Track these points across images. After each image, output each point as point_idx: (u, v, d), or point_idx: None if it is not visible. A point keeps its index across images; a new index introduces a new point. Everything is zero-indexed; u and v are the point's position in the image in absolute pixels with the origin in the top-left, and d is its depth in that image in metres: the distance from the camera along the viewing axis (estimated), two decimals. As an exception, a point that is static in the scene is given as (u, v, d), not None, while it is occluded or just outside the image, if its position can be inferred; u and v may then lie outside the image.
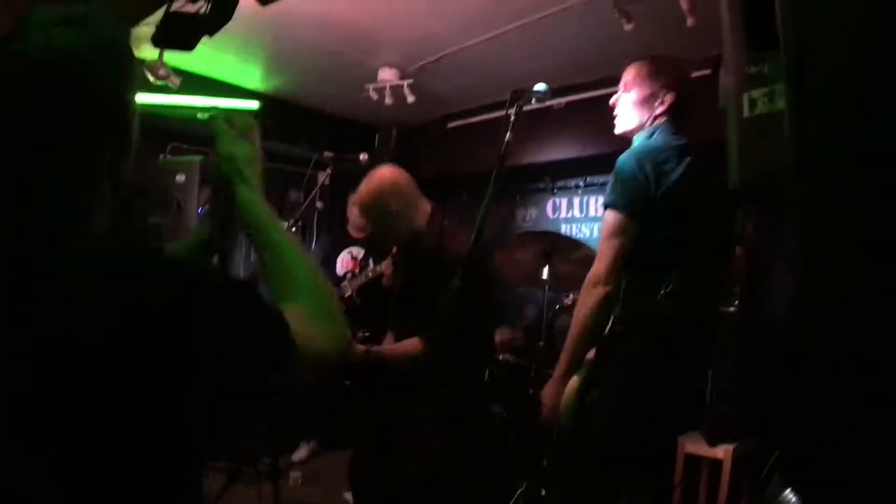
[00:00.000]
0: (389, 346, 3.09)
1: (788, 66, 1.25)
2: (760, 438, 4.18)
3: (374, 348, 2.96)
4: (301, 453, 5.32)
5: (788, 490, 3.47)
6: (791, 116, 1.25)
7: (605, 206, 2.40)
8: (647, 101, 2.55)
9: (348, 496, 4.11)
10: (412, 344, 2.88)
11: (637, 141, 2.56)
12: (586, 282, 2.38)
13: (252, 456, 4.60)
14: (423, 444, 2.88)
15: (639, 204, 2.32)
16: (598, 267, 2.36)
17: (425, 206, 3.01)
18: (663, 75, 2.54)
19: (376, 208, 2.95)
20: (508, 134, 2.51)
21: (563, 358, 2.47)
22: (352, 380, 3.21)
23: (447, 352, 2.60)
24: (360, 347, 2.92)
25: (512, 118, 2.52)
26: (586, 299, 2.37)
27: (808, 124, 1.20)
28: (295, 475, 4.78)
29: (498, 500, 3.65)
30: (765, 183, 1.51)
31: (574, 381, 2.43)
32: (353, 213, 5.57)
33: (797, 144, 1.23)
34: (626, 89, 2.62)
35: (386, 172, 3.00)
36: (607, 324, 2.35)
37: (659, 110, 2.52)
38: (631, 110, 2.60)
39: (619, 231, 2.34)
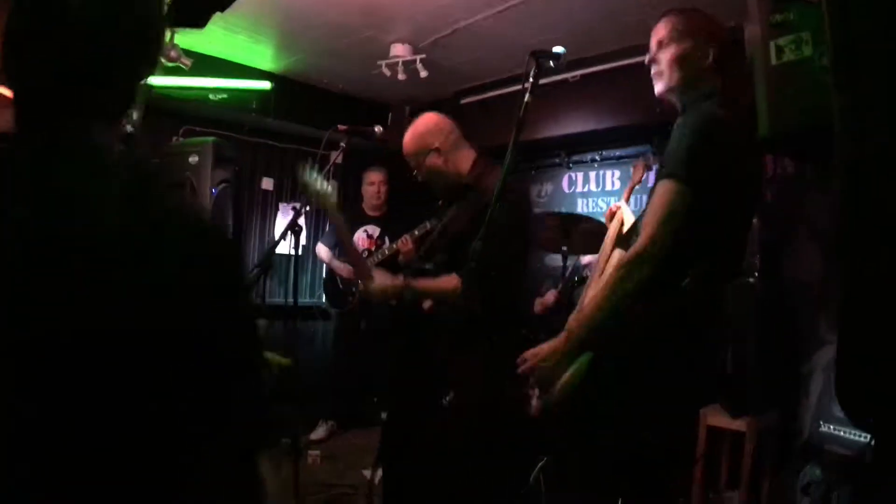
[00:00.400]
0: (426, 280, 3.02)
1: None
2: (782, 410, 4.15)
3: (412, 281, 2.94)
4: (320, 433, 5.34)
5: (814, 462, 3.44)
6: (835, 61, 1.19)
7: (670, 177, 2.11)
8: (689, 57, 2.27)
9: (367, 473, 4.11)
10: (450, 279, 2.85)
11: (688, 103, 2.30)
12: (633, 255, 2.12)
13: (271, 436, 4.62)
14: (463, 404, 2.83)
15: (712, 182, 2.06)
16: (651, 245, 2.09)
17: (470, 152, 3.06)
18: (701, 28, 2.29)
19: (419, 146, 3.01)
20: (528, 95, 2.46)
21: (578, 330, 2.20)
22: (391, 317, 3.13)
23: (484, 287, 2.59)
24: (397, 280, 2.93)
25: (531, 79, 2.48)
26: (630, 276, 2.12)
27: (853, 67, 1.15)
28: (314, 454, 4.80)
29: (520, 471, 3.63)
30: (796, 129, 1.47)
31: (584, 359, 2.20)
32: (369, 191, 5.56)
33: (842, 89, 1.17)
34: (662, 46, 2.35)
35: (429, 115, 3.12)
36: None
37: (705, 64, 2.25)
38: (672, 67, 2.31)
39: (684, 209, 2.08)
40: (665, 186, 2.11)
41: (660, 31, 2.38)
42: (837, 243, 1.23)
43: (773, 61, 1.42)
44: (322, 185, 2.97)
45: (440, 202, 3.35)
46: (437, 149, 2.98)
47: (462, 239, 2.78)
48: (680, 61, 2.29)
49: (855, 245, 1.19)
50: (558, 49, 2.50)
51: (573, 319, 2.25)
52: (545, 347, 2.23)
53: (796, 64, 1.39)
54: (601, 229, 4.16)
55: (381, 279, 2.98)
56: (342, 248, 3.08)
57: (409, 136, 3.05)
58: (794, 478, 3.70)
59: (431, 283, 2.97)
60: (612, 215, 3.00)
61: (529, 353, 2.26)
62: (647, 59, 2.41)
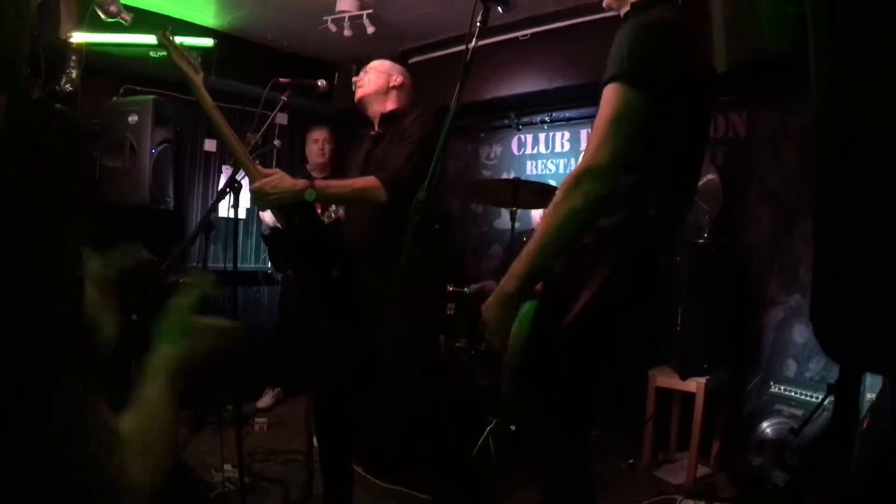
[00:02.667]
0: (334, 181, 3.07)
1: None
2: (731, 371, 4.17)
3: (320, 181, 2.88)
4: (266, 400, 5.26)
5: (764, 423, 3.44)
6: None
7: (611, 80, 1.87)
8: None
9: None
10: (365, 178, 2.85)
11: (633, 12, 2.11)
12: (575, 174, 1.86)
13: (215, 405, 4.51)
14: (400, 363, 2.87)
15: (655, 82, 1.84)
16: (595, 158, 1.83)
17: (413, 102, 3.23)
18: None
19: (389, 71, 3.19)
20: (473, 41, 2.34)
21: (520, 268, 1.93)
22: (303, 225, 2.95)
23: (403, 183, 2.68)
24: (299, 181, 2.78)
25: (478, 24, 2.35)
26: (571, 198, 1.84)
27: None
28: (260, 421, 4.73)
29: (468, 436, 3.57)
30: (754, 60, 1.39)
31: (526, 308, 1.98)
32: (313, 150, 5.41)
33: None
34: None
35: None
36: (585, 236, 1.93)
37: None
38: None
39: (631, 111, 1.84)
40: (608, 92, 1.88)
41: None
42: (814, 155, 1.13)
43: (734, -7, 1.33)
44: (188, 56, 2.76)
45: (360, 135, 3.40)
46: (399, 84, 3.16)
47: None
48: None
49: (830, 153, 1.09)
50: None
51: (518, 257, 1.98)
52: (489, 307, 2.01)
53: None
54: (550, 188, 4.12)
55: (278, 179, 2.76)
56: (223, 141, 2.87)
57: (383, 61, 3.24)
58: (745, 437, 3.72)
59: (340, 182, 2.96)
60: None
61: (483, 307, 2.03)
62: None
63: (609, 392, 2.45)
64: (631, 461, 4.14)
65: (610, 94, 1.87)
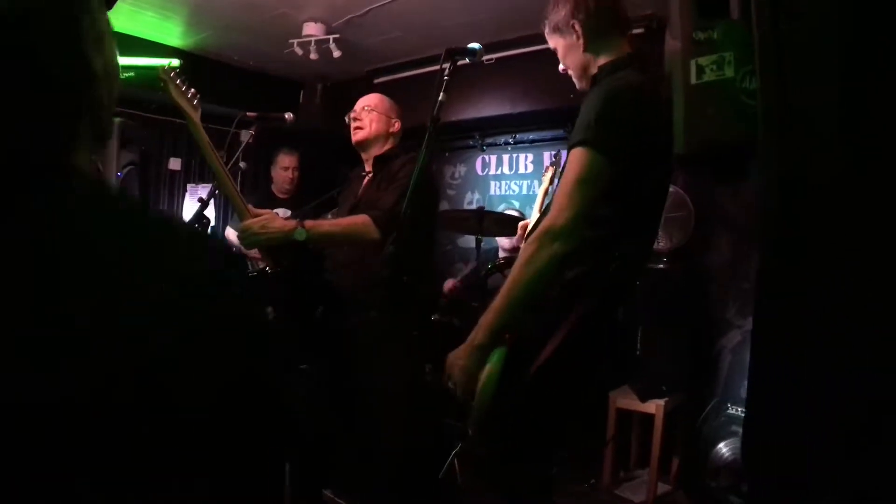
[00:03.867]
0: (325, 221, 3.06)
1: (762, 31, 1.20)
2: (689, 393, 4.28)
3: (308, 220, 2.83)
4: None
5: (721, 444, 3.55)
6: (763, 82, 1.20)
7: (578, 144, 1.98)
8: (571, 46, 2.24)
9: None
10: (356, 217, 2.88)
11: (599, 77, 2.22)
12: (541, 232, 1.96)
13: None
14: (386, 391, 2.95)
15: (623, 148, 1.96)
16: (560, 219, 1.93)
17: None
18: (566, 10, 2.22)
19: (390, 112, 3.23)
20: (442, 94, 2.44)
21: (489, 322, 2.03)
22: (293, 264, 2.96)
23: (393, 222, 2.63)
24: (289, 222, 2.78)
25: (445, 78, 2.45)
26: (539, 254, 1.95)
27: (783, 90, 1.16)
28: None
29: (432, 460, 3.63)
30: (710, 152, 1.48)
31: (494, 362, 2.05)
32: (281, 176, 5.42)
33: (771, 111, 1.18)
34: (558, 53, 2.32)
35: None
36: (551, 289, 2.04)
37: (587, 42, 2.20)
38: (569, 64, 2.29)
39: (595, 175, 1.95)
40: (574, 155, 1.98)
41: (549, 40, 2.35)
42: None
43: (693, 80, 1.42)
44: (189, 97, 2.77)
45: (338, 191, 3.45)
46: (398, 130, 3.23)
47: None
48: (566, 53, 2.27)
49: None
50: (474, 45, 2.51)
51: (487, 311, 2.08)
52: (456, 358, 2.09)
53: (716, 84, 1.39)
54: (513, 218, 4.23)
55: (268, 219, 2.76)
56: (217, 181, 2.86)
57: (384, 99, 3.26)
58: (703, 458, 3.83)
59: (331, 221, 2.98)
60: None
61: (450, 357, 2.12)
62: (560, 69, 2.37)
63: (572, 418, 2.55)
64: (592, 481, 4.24)
65: (576, 158, 1.97)
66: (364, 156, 3.22)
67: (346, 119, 3.23)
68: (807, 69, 1.14)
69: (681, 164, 2.49)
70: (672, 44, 1.55)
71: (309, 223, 2.79)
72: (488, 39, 5.10)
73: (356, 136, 3.15)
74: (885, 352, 1.01)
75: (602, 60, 2.21)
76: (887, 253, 1.03)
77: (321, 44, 4.97)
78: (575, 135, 2.02)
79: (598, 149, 1.95)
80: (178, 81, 2.71)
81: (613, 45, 2.21)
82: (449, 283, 4.79)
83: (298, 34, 4.97)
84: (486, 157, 5.95)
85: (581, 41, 2.20)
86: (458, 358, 2.08)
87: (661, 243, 4.29)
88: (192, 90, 2.74)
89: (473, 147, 5.98)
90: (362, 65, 5.91)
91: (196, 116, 2.71)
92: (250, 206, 2.81)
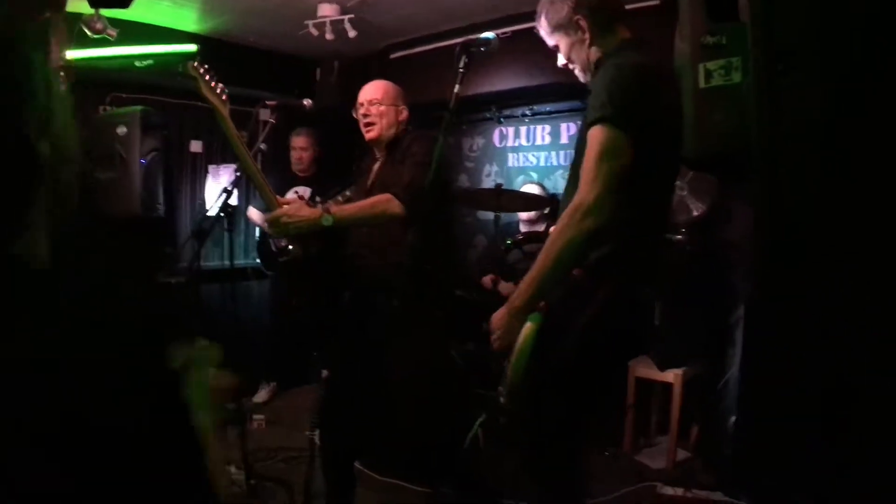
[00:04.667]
0: (348, 205, 3.07)
1: (756, 39, 1.26)
2: (708, 362, 4.35)
3: (335, 206, 2.92)
4: (262, 395, 5.37)
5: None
6: (757, 90, 1.27)
7: (596, 122, 2.08)
8: (574, 42, 2.32)
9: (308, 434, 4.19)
10: (379, 197, 2.92)
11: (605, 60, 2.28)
12: (572, 209, 2.07)
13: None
14: (410, 363, 3.01)
15: (639, 122, 2.05)
16: (591, 194, 2.04)
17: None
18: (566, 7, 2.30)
19: (398, 100, 3.21)
20: (458, 87, 2.50)
21: (527, 290, 2.18)
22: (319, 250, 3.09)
23: (420, 199, 2.74)
24: (315, 209, 2.85)
25: (461, 70, 2.51)
26: (570, 231, 2.07)
27: (775, 100, 1.23)
28: (259, 418, 4.82)
29: (458, 431, 3.73)
30: (719, 154, 1.54)
31: (529, 327, 2.19)
32: (293, 156, 5.49)
33: (763, 119, 1.25)
34: (559, 50, 2.41)
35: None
36: (580, 262, 2.16)
37: (590, 36, 2.27)
38: (573, 58, 2.37)
39: (616, 151, 2.04)
40: (594, 133, 2.07)
41: (544, 37, 2.43)
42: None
43: (702, 84, 1.48)
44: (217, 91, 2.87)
45: (355, 166, 3.49)
46: (406, 116, 3.21)
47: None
48: (571, 49, 2.34)
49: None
50: (488, 35, 2.56)
51: (521, 282, 2.24)
52: (497, 319, 2.26)
53: (724, 89, 1.45)
54: (529, 195, 4.31)
55: (295, 207, 2.86)
56: (246, 173, 2.98)
57: (388, 88, 3.23)
58: (720, 427, 3.91)
59: (355, 205, 2.99)
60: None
61: (492, 318, 2.29)
62: (559, 64, 2.46)
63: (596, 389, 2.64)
64: (613, 449, 4.34)
65: (596, 135, 2.07)
66: (376, 147, 3.26)
67: (354, 114, 3.25)
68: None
69: (689, 167, 2.55)
70: (681, 47, 1.60)
71: (334, 208, 2.87)
72: (504, 13, 5.13)
73: (369, 135, 3.15)
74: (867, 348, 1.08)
75: (606, 48, 2.27)
76: (874, 258, 1.09)
77: (336, 24, 5.00)
78: (591, 114, 2.11)
79: (616, 124, 2.04)
80: (206, 77, 2.79)
81: (616, 33, 2.27)
82: (487, 280, 4.85)
83: (313, 15, 5.00)
84: (504, 130, 5.98)
85: (587, 35, 2.27)
86: (498, 319, 2.25)
87: (682, 215, 4.32)
88: (221, 85, 2.82)
89: (490, 119, 5.99)
90: (378, 41, 5.93)
91: (225, 111, 2.80)
92: (276, 196, 2.90)
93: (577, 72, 2.40)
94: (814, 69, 1.14)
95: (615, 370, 2.77)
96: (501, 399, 2.35)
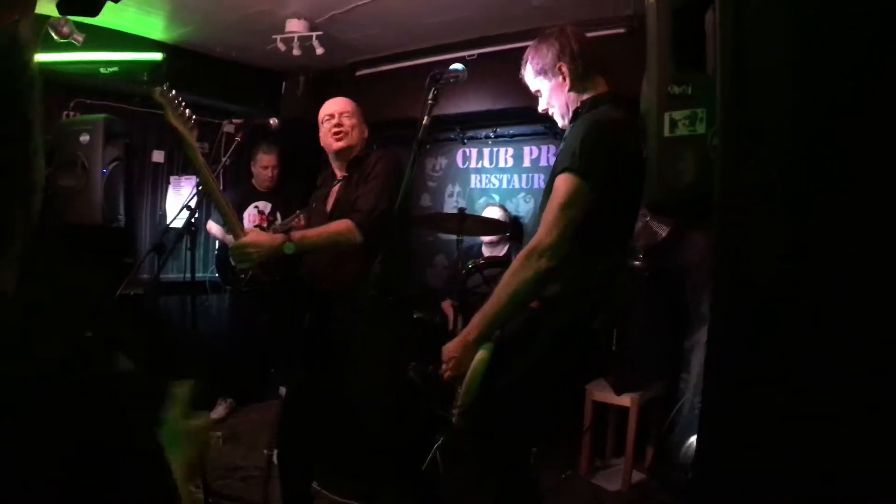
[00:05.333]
0: (309, 230, 3.10)
1: (724, 96, 1.30)
2: (664, 386, 4.43)
3: (295, 232, 2.94)
4: (219, 412, 5.30)
5: (694, 437, 3.69)
6: (724, 140, 1.31)
7: (565, 170, 2.24)
8: (554, 87, 2.49)
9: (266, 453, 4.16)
10: (339, 222, 2.97)
11: (581, 112, 2.45)
12: (529, 250, 2.24)
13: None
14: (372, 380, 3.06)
15: (603, 176, 2.22)
16: (547, 238, 2.21)
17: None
18: (549, 54, 2.47)
19: (361, 118, 3.27)
20: (426, 118, 2.56)
21: (480, 322, 2.33)
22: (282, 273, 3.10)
23: (380, 227, 2.85)
24: (274, 236, 2.88)
25: (430, 102, 2.57)
26: (524, 271, 2.24)
27: (742, 148, 1.27)
28: (216, 435, 4.74)
29: (416, 452, 3.74)
30: (678, 203, 1.59)
31: (482, 354, 2.34)
32: (262, 174, 5.48)
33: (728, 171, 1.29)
34: (540, 94, 2.58)
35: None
36: (533, 299, 2.33)
37: (571, 81, 2.44)
38: (553, 104, 2.53)
39: (578, 201, 2.21)
40: (560, 180, 2.25)
41: (528, 83, 2.59)
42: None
43: (666, 132, 1.52)
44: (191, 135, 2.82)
45: (318, 182, 3.49)
46: (367, 135, 3.29)
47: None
48: (552, 94, 2.50)
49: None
50: (456, 66, 2.63)
51: (475, 316, 2.39)
52: (450, 349, 2.39)
53: (688, 140, 1.49)
54: (492, 221, 4.36)
55: (256, 235, 2.89)
56: (212, 200, 2.98)
57: (356, 105, 3.29)
58: (676, 450, 3.97)
59: (316, 230, 3.03)
60: None
61: (445, 350, 2.41)
62: (540, 109, 2.60)
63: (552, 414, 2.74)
64: (569, 472, 4.38)
65: (561, 183, 2.24)
66: (339, 161, 3.27)
67: (320, 120, 3.27)
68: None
69: (650, 210, 2.69)
70: (648, 94, 1.65)
71: (296, 235, 2.89)
72: (469, 36, 5.19)
73: (340, 143, 3.17)
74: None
75: (584, 97, 2.44)
76: (837, 316, 1.14)
77: (304, 40, 5.00)
78: (561, 162, 2.29)
79: (583, 176, 2.21)
80: (175, 102, 2.73)
81: (595, 83, 2.45)
82: (447, 305, 4.87)
83: (281, 30, 5.00)
84: (467, 151, 6.03)
85: (567, 81, 2.43)
86: (451, 351, 2.38)
87: (646, 240, 4.40)
88: (188, 111, 2.77)
89: (454, 140, 6.04)
90: (345, 57, 5.94)
91: (192, 138, 2.75)
92: (242, 225, 2.93)
93: (556, 117, 2.55)
94: (784, 135, 1.19)
95: (565, 396, 2.87)
96: (453, 419, 2.45)
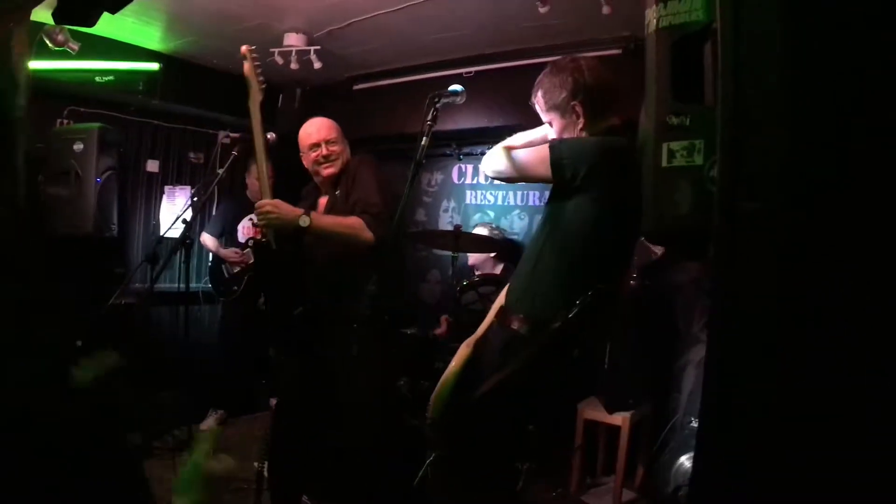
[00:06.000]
0: (327, 216, 3.19)
1: (724, 122, 1.30)
2: (655, 405, 4.43)
3: (314, 213, 3.05)
4: (210, 423, 5.28)
5: (684, 456, 3.70)
6: (722, 170, 1.31)
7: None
8: (566, 126, 2.48)
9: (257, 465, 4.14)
10: (353, 217, 3.03)
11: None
12: None
13: (161, 431, 4.57)
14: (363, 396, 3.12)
15: (602, 189, 2.27)
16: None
17: None
18: (558, 94, 2.46)
19: (346, 143, 3.36)
20: (425, 139, 2.57)
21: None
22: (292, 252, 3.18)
23: (385, 222, 2.95)
24: (297, 209, 3.01)
25: (429, 123, 2.57)
26: None
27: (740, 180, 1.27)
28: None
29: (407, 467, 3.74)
30: (674, 234, 1.60)
31: (453, 367, 2.42)
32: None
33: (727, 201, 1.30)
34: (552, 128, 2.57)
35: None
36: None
37: (580, 119, 2.44)
38: (559, 130, 2.53)
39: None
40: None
41: (538, 111, 2.59)
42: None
43: (664, 163, 1.52)
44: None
45: (302, 194, 3.59)
46: (349, 152, 3.36)
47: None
48: (564, 131, 2.49)
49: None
50: (455, 87, 2.62)
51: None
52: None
53: (685, 171, 1.49)
54: (487, 238, 4.37)
55: (280, 202, 3.02)
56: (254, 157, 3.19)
57: (337, 126, 3.38)
58: (667, 469, 3.97)
59: (332, 218, 3.11)
60: None
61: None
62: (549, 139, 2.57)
63: (540, 429, 2.75)
64: (560, 490, 4.38)
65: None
66: (330, 183, 3.34)
67: (303, 147, 3.35)
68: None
69: (647, 240, 2.70)
70: (646, 124, 1.66)
71: (314, 214, 3.00)
72: (466, 53, 5.21)
73: (329, 171, 3.26)
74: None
75: (596, 133, 2.43)
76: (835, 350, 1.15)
77: (302, 54, 5.02)
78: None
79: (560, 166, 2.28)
80: (256, 63, 3.12)
81: (607, 120, 2.44)
82: (443, 321, 4.88)
83: (279, 43, 5.01)
84: (463, 167, 6.04)
85: (581, 120, 2.41)
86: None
87: (642, 259, 4.41)
88: (262, 77, 3.14)
89: (450, 156, 6.04)
90: (342, 71, 5.95)
91: (258, 97, 3.11)
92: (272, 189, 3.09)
93: None
94: (784, 175, 1.20)
95: (540, 414, 2.86)
96: (427, 426, 2.54)
